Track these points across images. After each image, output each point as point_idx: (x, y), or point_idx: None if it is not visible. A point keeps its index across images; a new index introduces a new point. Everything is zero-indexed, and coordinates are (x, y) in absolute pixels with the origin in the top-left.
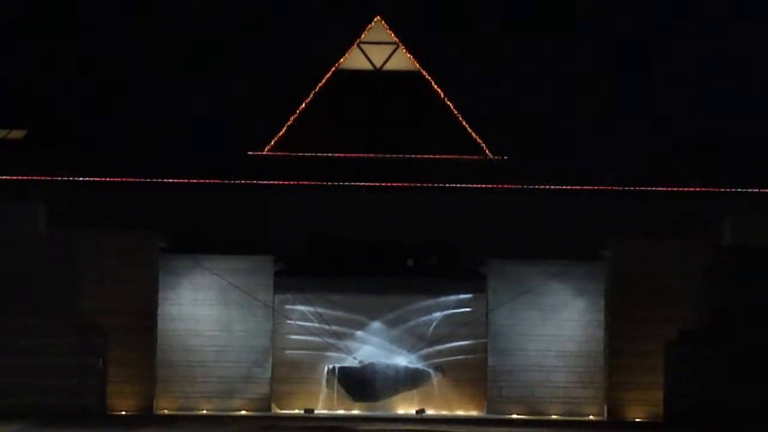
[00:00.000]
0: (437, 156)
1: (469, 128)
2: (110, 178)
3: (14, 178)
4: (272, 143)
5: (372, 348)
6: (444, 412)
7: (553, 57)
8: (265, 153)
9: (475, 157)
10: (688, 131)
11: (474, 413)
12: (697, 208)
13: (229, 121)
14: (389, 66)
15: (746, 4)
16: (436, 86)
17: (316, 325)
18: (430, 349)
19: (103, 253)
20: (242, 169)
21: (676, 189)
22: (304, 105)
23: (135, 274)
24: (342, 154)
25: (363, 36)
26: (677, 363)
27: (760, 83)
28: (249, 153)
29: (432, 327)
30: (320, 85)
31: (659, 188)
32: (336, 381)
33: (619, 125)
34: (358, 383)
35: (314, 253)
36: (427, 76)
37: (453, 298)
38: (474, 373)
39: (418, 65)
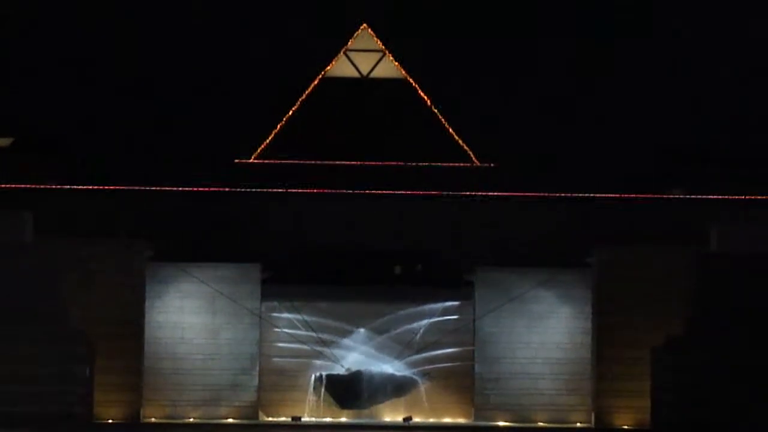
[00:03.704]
0: (424, 163)
1: (455, 135)
2: (97, 186)
3: (1, 186)
4: (259, 151)
5: (359, 355)
6: (431, 420)
7: (541, 64)
8: (252, 161)
9: (462, 165)
10: (674, 139)
11: (461, 420)
12: (683, 216)
13: (215, 129)
14: (376, 73)
15: (737, 13)
16: (422, 93)
17: (303, 332)
18: (417, 357)
19: (90, 262)
20: (229, 177)
21: (662, 197)
22: (290, 112)
23: (122, 283)
24: (329, 162)
25: (350, 43)
26: (664, 370)
27: (747, 93)
28: (236, 161)
29: (419, 334)
30: (307, 92)
31: (645, 196)
32: (323, 388)
33: (606, 133)
34: (345, 391)
35: (301, 261)
36: (413, 84)
37: (440, 305)
38: (461, 380)
39: (404, 72)
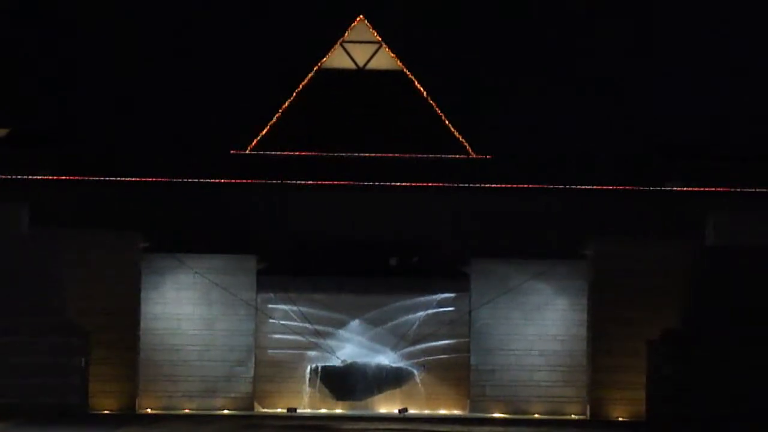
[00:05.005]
0: (420, 155)
1: (452, 127)
2: (93, 177)
3: None
4: (255, 142)
5: (355, 347)
6: (427, 411)
7: (538, 57)
8: (248, 152)
9: (458, 156)
10: (671, 131)
11: (456, 412)
12: (680, 209)
13: (211, 120)
14: (372, 65)
15: (734, 11)
16: (419, 85)
17: (299, 324)
18: (413, 348)
19: (86, 253)
20: (225, 168)
21: (658, 189)
22: (287, 104)
23: (117, 274)
24: (325, 153)
25: (346, 35)
26: (660, 362)
27: (742, 86)
28: (232, 152)
29: (415, 326)
30: (303, 84)
31: (642, 188)
32: (319, 380)
33: (603, 126)
34: (341, 382)
35: (297, 252)
36: (410, 75)
37: (435, 297)
38: (457, 372)
39: (401, 64)
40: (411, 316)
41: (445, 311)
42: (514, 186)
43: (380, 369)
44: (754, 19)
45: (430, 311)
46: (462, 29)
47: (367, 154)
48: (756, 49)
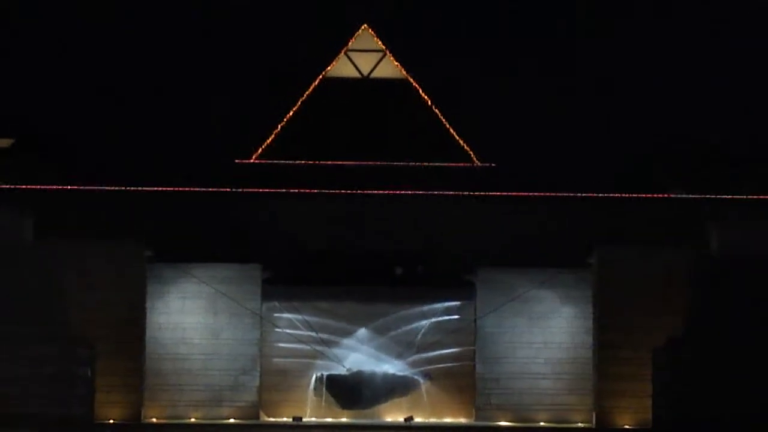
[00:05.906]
0: (425, 164)
1: (456, 136)
2: (97, 186)
3: (1, 187)
4: (259, 151)
5: (360, 356)
6: (432, 420)
7: (540, 64)
8: (252, 161)
9: (463, 165)
10: (674, 138)
11: (462, 421)
12: (684, 216)
13: (216, 129)
14: (377, 74)
15: (735, 11)
16: (423, 94)
17: (304, 333)
18: (418, 357)
19: (90, 262)
20: (230, 178)
21: (662, 196)
22: (291, 113)
23: (122, 283)
24: (329, 162)
25: (350, 43)
26: (665, 370)
27: (746, 90)
28: (236, 161)
29: (420, 335)
30: (307, 92)
31: (646, 195)
32: (324, 389)
33: (606, 132)
34: (347, 391)
35: (302, 261)
36: (414, 84)
37: (441, 305)
38: (462, 380)
39: (405, 73)
40: (416, 325)
41: (450, 320)
42: (519, 194)
43: (386, 378)
44: (756, 19)
45: (435, 320)
46: (466, 37)
47: (371, 163)
48: (760, 51)
